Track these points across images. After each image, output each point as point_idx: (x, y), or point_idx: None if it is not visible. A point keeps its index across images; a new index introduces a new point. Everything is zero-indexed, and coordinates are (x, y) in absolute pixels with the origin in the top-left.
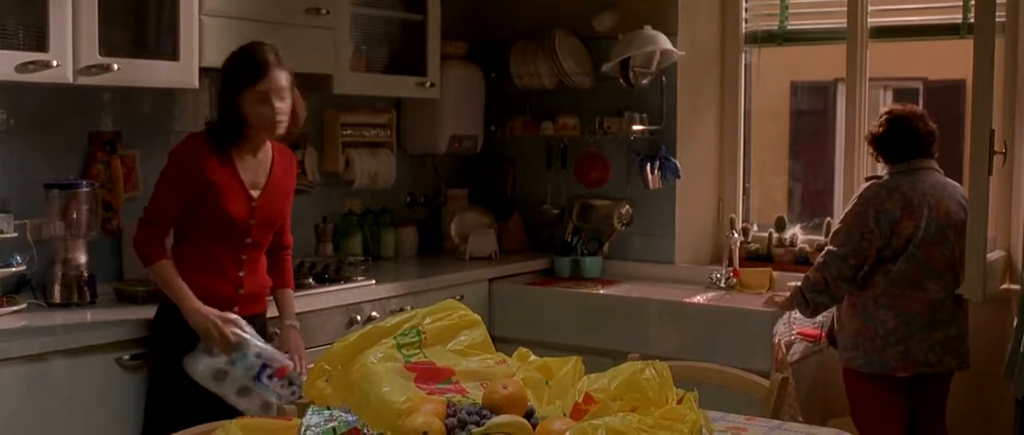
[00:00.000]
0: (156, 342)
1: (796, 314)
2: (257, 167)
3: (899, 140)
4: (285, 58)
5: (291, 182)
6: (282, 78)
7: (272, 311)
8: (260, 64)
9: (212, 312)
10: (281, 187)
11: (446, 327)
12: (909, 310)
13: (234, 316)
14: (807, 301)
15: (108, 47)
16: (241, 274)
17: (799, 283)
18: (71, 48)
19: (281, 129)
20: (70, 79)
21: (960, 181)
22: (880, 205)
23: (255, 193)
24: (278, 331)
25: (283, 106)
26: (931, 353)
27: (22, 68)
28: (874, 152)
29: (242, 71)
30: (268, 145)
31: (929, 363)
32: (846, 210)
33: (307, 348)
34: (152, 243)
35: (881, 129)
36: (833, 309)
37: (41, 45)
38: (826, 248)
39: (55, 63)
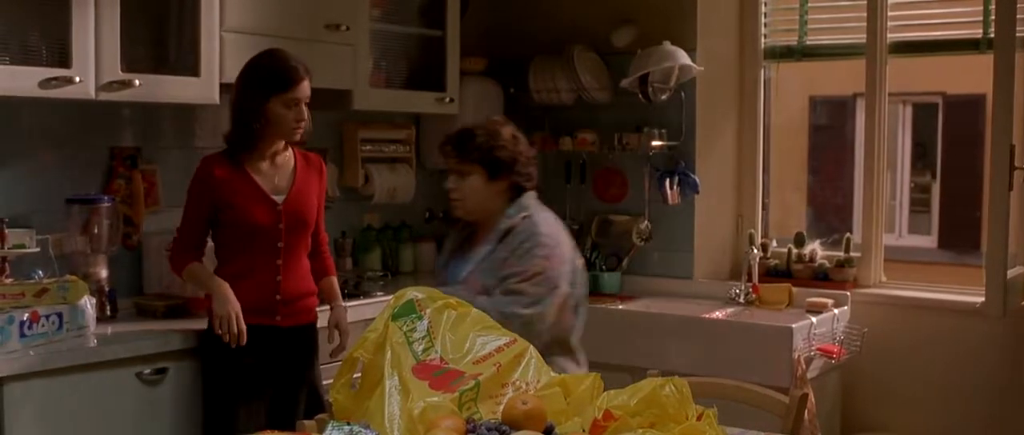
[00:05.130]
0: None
1: (817, 329)
2: (276, 173)
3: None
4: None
5: (316, 184)
6: (308, 87)
7: (322, 321)
8: (292, 72)
9: (237, 306)
10: (306, 190)
11: (439, 308)
12: None
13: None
14: None
15: (130, 63)
16: (278, 279)
17: None
18: (93, 64)
19: (298, 136)
20: (92, 95)
21: (979, 196)
22: None
23: (278, 198)
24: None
25: (307, 114)
26: None
27: (45, 84)
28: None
29: (273, 78)
30: (289, 151)
31: None
32: None
33: (324, 364)
34: (180, 254)
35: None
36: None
37: (64, 61)
38: None
39: (77, 79)
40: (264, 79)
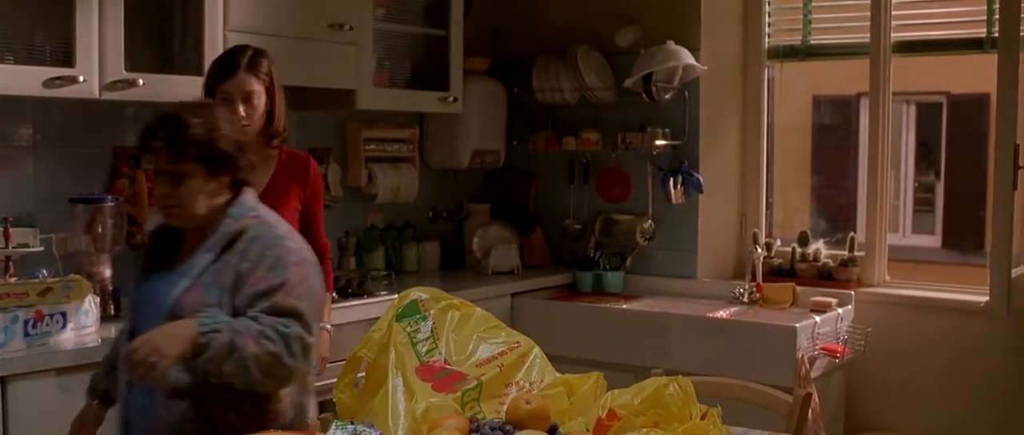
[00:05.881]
0: None
1: (821, 329)
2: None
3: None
4: (299, 70)
5: (297, 187)
6: (250, 82)
7: None
8: (229, 64)
9: None
10: (281, 193)
11: (443, 308)
12: None
13: None
14: None
15: (134, 62)
16: None
17: None
18: (97, 64)
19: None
20: (96, 94)
21: (983, 196)
22: None
23: None
24: None
25: (246, 110)
26: None
27: (49, 84)
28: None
29: (212, 67)
30: (275, 151)
31: None
32: None
33: (331, 363)
34: None
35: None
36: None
37: (68, 61)
38: None
39: (82, 79)
40: (209, 69)
